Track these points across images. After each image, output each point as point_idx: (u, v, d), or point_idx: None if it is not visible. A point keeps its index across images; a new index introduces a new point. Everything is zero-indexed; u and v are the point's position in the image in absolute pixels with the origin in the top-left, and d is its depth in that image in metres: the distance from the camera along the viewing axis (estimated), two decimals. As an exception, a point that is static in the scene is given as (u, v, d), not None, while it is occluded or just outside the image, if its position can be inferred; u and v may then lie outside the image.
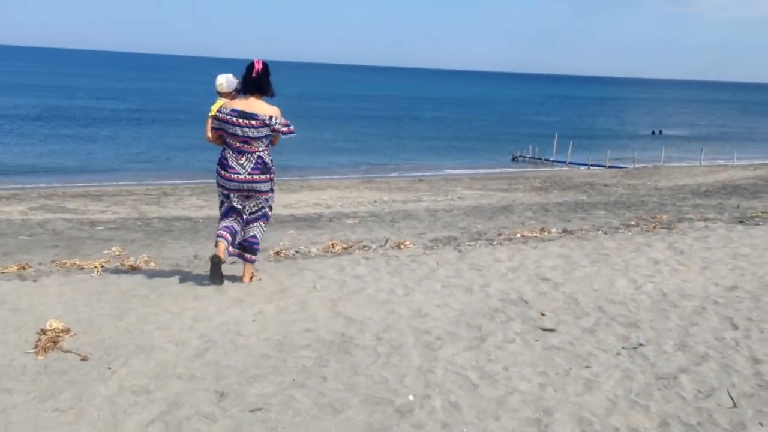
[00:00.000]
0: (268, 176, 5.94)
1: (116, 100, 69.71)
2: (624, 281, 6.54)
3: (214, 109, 5.92)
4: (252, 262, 6.17)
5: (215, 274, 6.05)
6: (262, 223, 6.11)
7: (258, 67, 5.77)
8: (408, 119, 66.60)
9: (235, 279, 6.30)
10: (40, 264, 7.48)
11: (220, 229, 6.00)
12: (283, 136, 5.93)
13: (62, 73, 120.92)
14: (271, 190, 6.07)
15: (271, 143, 5.95)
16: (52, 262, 7.59)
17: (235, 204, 5.96)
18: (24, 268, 7.08)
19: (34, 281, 6.34)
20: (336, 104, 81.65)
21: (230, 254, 6.09)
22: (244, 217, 6.03)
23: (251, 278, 6.23)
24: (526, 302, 5.84)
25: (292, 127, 5.91)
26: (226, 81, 6.09)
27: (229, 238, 5.95)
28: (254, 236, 6.09)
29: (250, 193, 5.93)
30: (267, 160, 5.92)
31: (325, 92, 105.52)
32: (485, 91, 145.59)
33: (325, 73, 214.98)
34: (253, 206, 6.02)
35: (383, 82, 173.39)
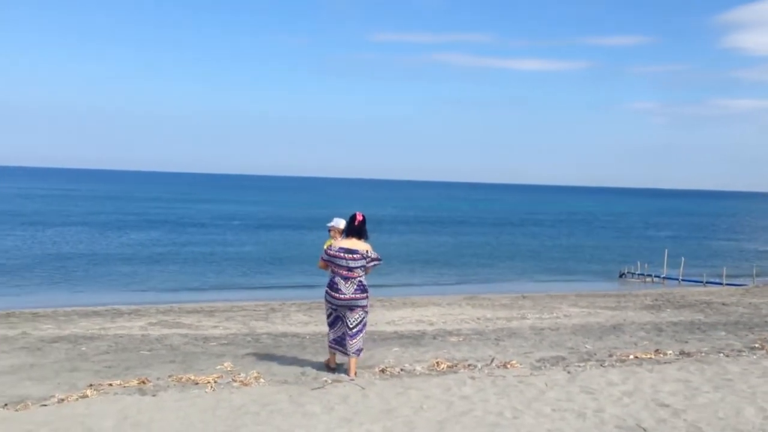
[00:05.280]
0: (365, 295, 8.03)
1: (231, 220, 73.64)
2: (752, 410, 6.10)
3: (327, 244, 8.23)
4: (357, 355, 7.99)
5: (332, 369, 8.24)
6: (362, 333, 8.05)
7: (359, 218, 8.03)
8: (508, 235, 66.35)
9: (345, 396, 6.37)
10: (158, 378, 7.83)
11: (331, 342, 8.22)
12: (375, 263, 8.03)
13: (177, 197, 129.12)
14: (368, 305, 8.10)
15: (366, 271, 7.99)
16: (170, 376, 7.93)
17: (340, 314, 7.98)
18: (144, 382, 7.46)
19: (153, 395, 6.64)
20: (433, 222, 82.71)
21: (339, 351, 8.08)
22: (348, 326, 7.93)
23: (355, 373, 7.85)
24: (645, 430, 5.54)
25: (380, 260, 8.07)
26: (336, 223, 8.56)
27: (340, 348, 8.07)
28: (359, 341, 8.01)
29: (353, 308, 7.94)
30: (365, 283, 8.03)
31: (420, 211, 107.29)
32: (587, 206, 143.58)
33: (416, 192, 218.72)
34: (355, 318, 7.95)
35: (482, 199, 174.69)
